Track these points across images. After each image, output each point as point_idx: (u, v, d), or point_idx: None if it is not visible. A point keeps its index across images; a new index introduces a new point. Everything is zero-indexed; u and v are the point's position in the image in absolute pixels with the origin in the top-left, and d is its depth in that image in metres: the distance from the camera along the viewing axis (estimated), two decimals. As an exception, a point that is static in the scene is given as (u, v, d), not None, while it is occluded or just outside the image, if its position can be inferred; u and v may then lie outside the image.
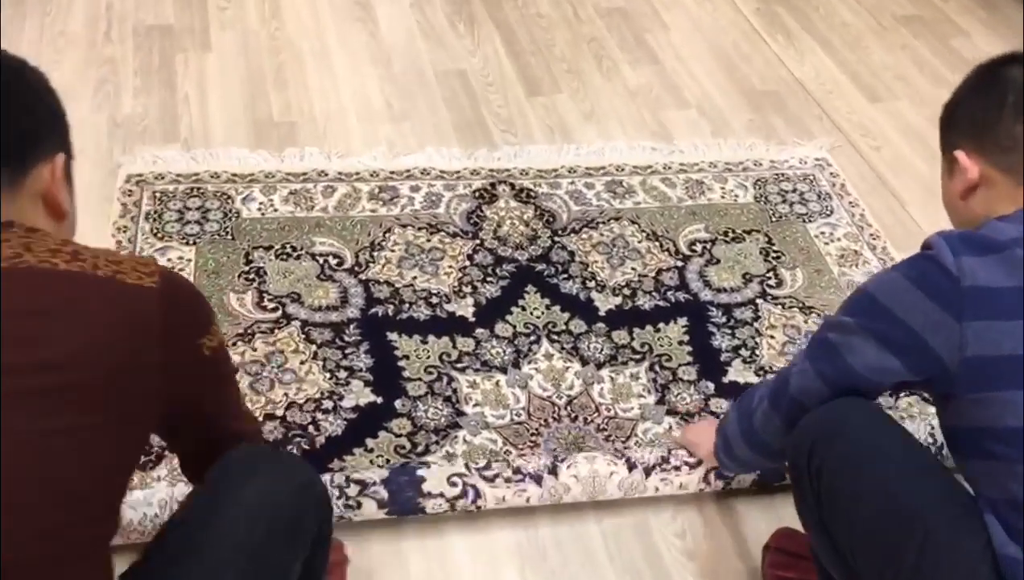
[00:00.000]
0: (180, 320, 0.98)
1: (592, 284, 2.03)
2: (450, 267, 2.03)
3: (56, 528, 0.87)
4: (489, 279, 2.02)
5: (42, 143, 1.01)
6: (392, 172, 2.27)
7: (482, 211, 2.18)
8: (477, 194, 2.22)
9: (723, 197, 2.30)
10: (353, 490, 1.53)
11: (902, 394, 1.81)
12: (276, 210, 2.12)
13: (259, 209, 2.12)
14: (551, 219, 2.18)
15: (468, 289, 1.99)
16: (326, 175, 2.23)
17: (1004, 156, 1.17)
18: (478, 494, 1.57)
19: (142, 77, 2.47)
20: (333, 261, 2.02)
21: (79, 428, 0.88)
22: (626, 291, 2.02)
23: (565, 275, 2.04)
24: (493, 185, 2.26)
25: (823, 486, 1.19)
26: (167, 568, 0.99)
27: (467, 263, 2.04)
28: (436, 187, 2.23)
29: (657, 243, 2.14)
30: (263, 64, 2.58)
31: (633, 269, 2.07)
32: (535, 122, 2.50)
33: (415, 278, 2.00)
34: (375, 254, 2.04)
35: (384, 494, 1.53)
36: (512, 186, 2.26)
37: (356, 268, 2.01)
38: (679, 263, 2.10)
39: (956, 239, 1.10)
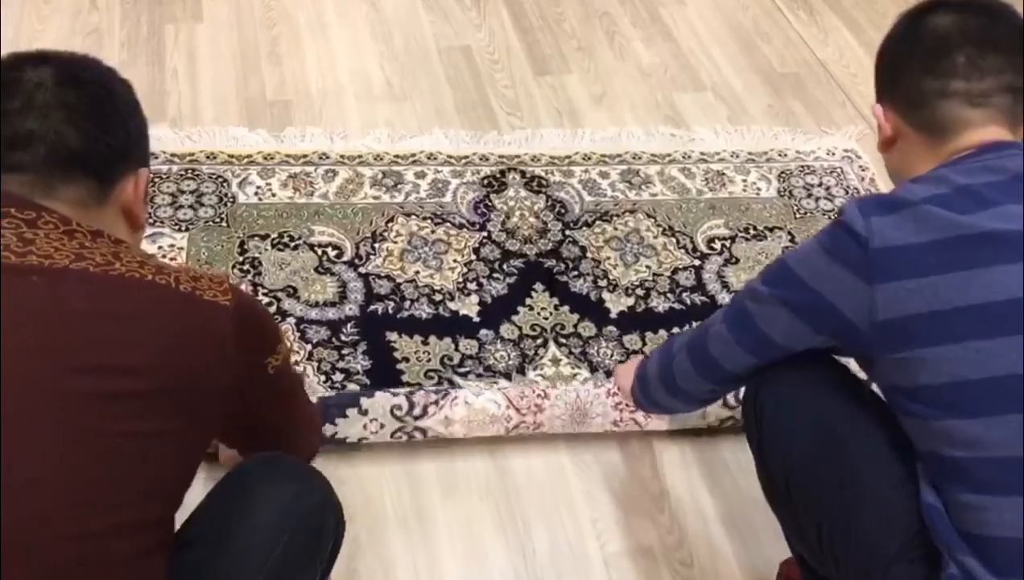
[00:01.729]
0: (249, 339, 1.05)
1: (604, 283, 1.99)
2: (455, 261, 1.99)
3: (127, 527, 0.92)
4: (496, 275, 1.97)
5: (130, 158, 1.07)
6: (397, 156, 2.22)
7: (490, 201, 2.13)
8: (486, 182, 2.18)
9: (745, 190, 2.25)
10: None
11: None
12: (274, 195, 2.08)
13: (256, 194, 2.08)
14: (563, 210, 2.14)
15: (473, 286, 1.95)
16: (327, 158, 2.19)
17: (914, 112, 1.18)
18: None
19: (129, 49, 2.42)
20: (332, 252, 1.97)
21: (157, 433, 0.94)
22: (639, 292, 1.98)
23: (576, 273, 2.00)
24: (503, 172, 2.21)
25: (763, 427, 1.25)
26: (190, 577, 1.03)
27: (473, 257, 2.00)
28: (443, 173, 2.19)
29: (674, 239, 2.10)
30: (257, 37, 2.52)
31: (647, 267, 2.03)
32: (542, 104, 2.45)
33: (418, 273, 1.96)
34: (376, 246, 2.00)
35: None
36: (523, 174, 2.21)
37: (356, 260, 1.97)
38: (696, 262, 2.06)
39: (868, 201, 1.10)
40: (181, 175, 2.08)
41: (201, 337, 0.98)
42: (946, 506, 1.08)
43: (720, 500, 1.69)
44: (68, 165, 1.00)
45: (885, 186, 2.28)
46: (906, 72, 1.18)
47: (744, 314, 1.25)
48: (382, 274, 1.95)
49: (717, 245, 2.10)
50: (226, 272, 1.89)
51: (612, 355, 1.86)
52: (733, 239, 2.12)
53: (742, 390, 1.36)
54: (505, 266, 2.00)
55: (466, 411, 1.64)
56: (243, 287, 1.86)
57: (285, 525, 1.09)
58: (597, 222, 2.13)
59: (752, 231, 2.14)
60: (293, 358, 1.76)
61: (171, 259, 1.89)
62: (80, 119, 1.01)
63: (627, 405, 1.67)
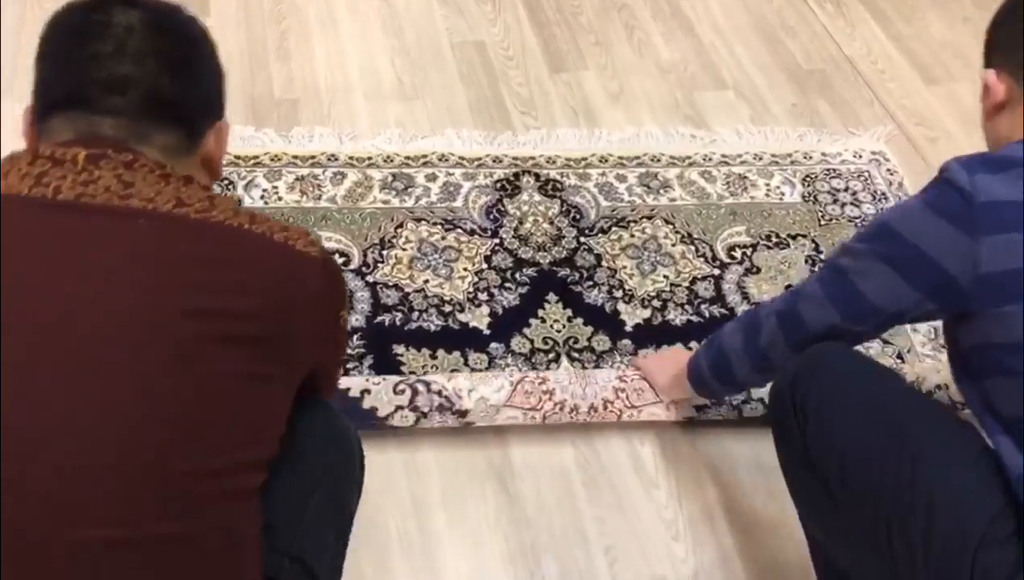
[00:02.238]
0: (334, 291, 1.09)
1: (619, 294, 1.93)
2: (465, 270, 1.94)
3: (241, 467, 0.96)
4: (507, 285, 1.93)
5: (213, 109, 1.10)
6: (407, 157, 2.17)
7: (503, 205, 2.08)
8: (499, 185, 2.13)
9: (767, 195, 2.19)
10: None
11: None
12: (281, 199, 2.04)
13: (263, 197, 2.04)
14: (578, 216, 2.09)
15: (484, 296, 1.90)
16: (336, 159, 2.14)
17: None
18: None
19: (133, 45, 2.36)
20: (339, 260, 1.93)
21: (265, 376, 0.97)
22: (656, 303, 1.92)
23: (590, 282, 1.95)
24: (517, 175, 2.16)
25: (808, 416, 1.22)
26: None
27: (484, 266, 1.95)
28: (455, 176, 2.14)
29: (693, 247, 2.04)
30: (265, 32, 2.47)
31: (665, 277, 1.98)
32: (557, 102, 2.39)
33: (427, 282, 1.91)
34: (385, 253, 1.95)
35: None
36: (537, 177, 2.16)
37: (364, 268, 1.92)
38: (716, 271, 2.00)
39: (972, 159, 1.12)
40: (184, 178, 2.04)
41: (299, 286, 1.00)
42: None
43: (738, 527, 1.63)
44: (162, 113, 1.01)
45: (915, 191, 2.21)
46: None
47: (839, 271, 1.26)
48: (390, 283, 1.90)
49: (737, 253, 2.05)
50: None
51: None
52: (754, 247, 2.06)
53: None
54: (517, 275, 1.95)
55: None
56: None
57: (328, 437, 1.19)
58: (613, 228, 2.07)
59: (774, 239, 2.08)
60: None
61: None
62: (174, 68, 1.02)
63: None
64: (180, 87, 1.03)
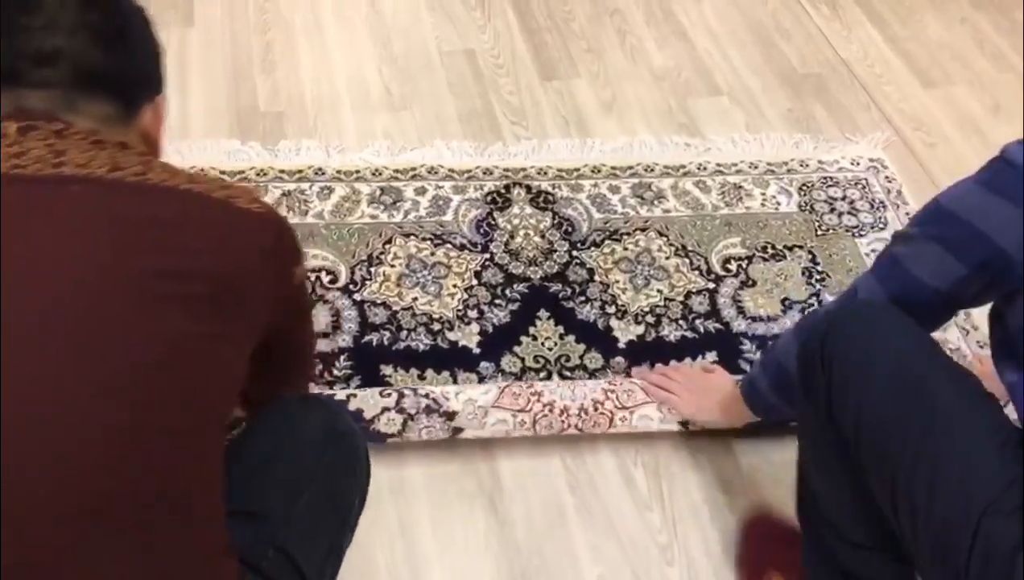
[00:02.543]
0: (282, 246, 1.07)
1: (612, 309, 1.90)
2: (455, 286, 1.91)
3: (210, 424, 0.97)
4: (498, 302, 1.90)
5: (150, 83, 1.09)
6: (396, 170, 2.14)
7: (494, 219, 2.05)
8: (489, 198, 2.10)
9: (763, 205, 2.16)
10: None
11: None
12: (263, 216, 2.00)
13: (244, 215, 2.00)
14: (570, 229, 2.05)
15: (474, 313, 1.87)
16: (323, 173, 2.11)
17: None
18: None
19: (116, 58, 2.33)
20: (326, 278, 1.90)
21: (224, 335, 0.97)
22: (650, 319, 1.89)
23: (582, 298, 1.92)
24: (508, 187, 2.13)
25: (834, 370, 1.20)
26: (246, 484, 1.08)
27: (474, 282, 1.92)
28: (444, 189, 2.11)
29: (687, 260, 2.01)
30: (250, 41, 2.44)
31: (659, 291, 1.95)
32: (548, 111, 2.36)
33: (415, 299, 1.88)
34: (373, 270, 1.92)
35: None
36: (528, 189, 2.13)
37: (351, 286, 1.89)
38: (711, 285, 1.97)
39: None
40: (168, 195, 2.01)
41: (244, 243, 1.00)
42: None
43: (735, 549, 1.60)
44: (93, 85, 1.01)
45: (913, 199, 2.19)
46: None
47: (892, 259, 1.26)
48: (378, 301, 1.87)
49: (733, 266, 2.01)
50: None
51: (620, 389, 1.77)
52: (750, 259, 2.03)
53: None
54: (508, 291, 1.92)
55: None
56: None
57: (327, 437, 1.18)
58: (606, 241, 2.04)
59: (770, 250, 2.05)
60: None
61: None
62: (107, 41, 1.01)
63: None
64: (113, 59, 1.02)
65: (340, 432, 1.22)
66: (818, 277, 2.00)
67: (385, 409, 1.66)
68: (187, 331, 0.93)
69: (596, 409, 1.70)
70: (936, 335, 1.82)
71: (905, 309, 1.24)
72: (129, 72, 1.05)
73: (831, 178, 2.24)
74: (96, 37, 1.01)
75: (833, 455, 1.25)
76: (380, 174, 2.12)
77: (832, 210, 2.16)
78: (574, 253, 2.01)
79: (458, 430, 1.66)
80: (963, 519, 1.07)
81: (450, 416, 1.67)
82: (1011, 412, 1.21)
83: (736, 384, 1.62)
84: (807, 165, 2.27)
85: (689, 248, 2.04)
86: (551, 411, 1.68)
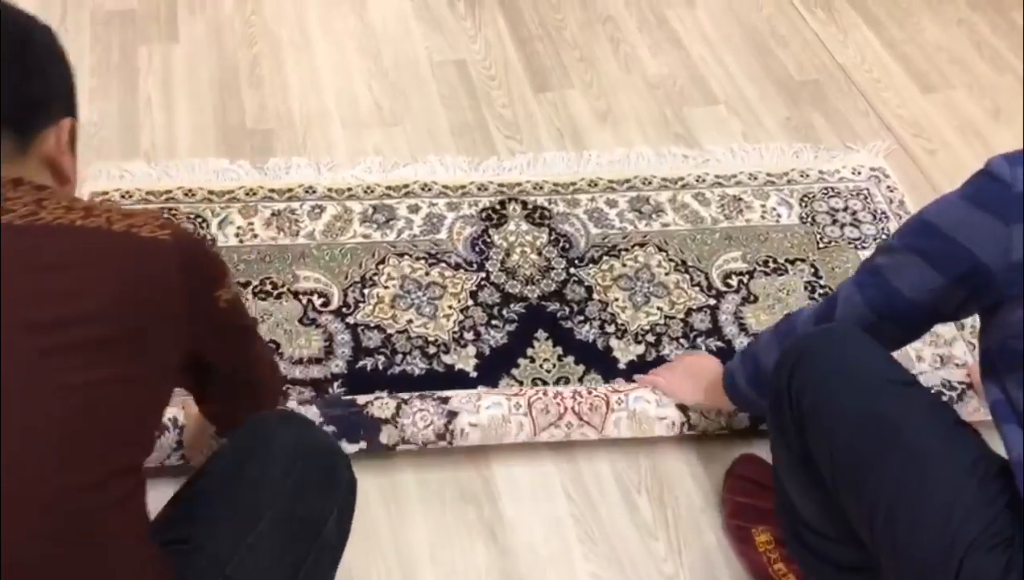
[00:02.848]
0: (196, 273, 1.03)
1: (611, 329, 1.87)
2: (450, 308, 1.87)
3: (112, 475, 0.93)
4: (494, 322, 1.86)
5: (50, 107, 1.03)
6: (389, 188, 2.10)
7: (489, 236, 2.01)
8: (484, 215, 2.06)
9: (763, 217, 2.12)
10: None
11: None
12: (256, 236, 1.97)
13: (237, 235, 1.97)
14: (567, 246, 2.02)
15: (470, 335, 1.83)
16: (314, 192, 2.07)
17: None
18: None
19: (99, 76, 2.30)
20: (318, 301, 1.86)
21: (118, 379, 0.93)
22: (650, 338, 1.86)
23: (581, 317, 1.88)
24: (503, 203, 2.09)
25: (803, 403, 1.21)
26: (202, 511, 1.07)
27: (470, 302, 1.89)
28: (438, 206, 2.07)
29: (687, 276, 1.98)
30: (236, 57, 2.40)
31: (659, 309, 1.91)
32: (543, 124, 2.32)
33: (410, 322, 1.84)
34: (366, 291, 1.89)
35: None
36: (524, 204, 2.09)
37: (344, 309, 1.86)
38: (712, 301, 1.94)
39: (1018, 153, 1.11)
40: (155, 218, 1.97)
41: (146, 275, 0.97)
42: None
43: (741, 576, 1.57)
44: None
45: (916, 209, 2.15)
46: None
47: (874, 271, 1.26)
48: (372, 324, 1.84)
49: (734, 281, 1.98)
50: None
51: (622, 412, 1.74)
52: (751, 274, 2.00)
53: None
54: (504, 312, 1.88)
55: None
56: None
57: (298, 455, 1.14)
58: (604, 258, 2.01)
59: (772, 264, 2.02)
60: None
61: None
62: None
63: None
64: (3, 85, 0.97)
65: (312, 449, 1.18)
66: (821, 291, 1.97)
67: (378, 396, 1.64)
68: (84, 381, 0.90)
69: (591, 392, 1.66)
70: (942, 350, 1.82)
71: (885, 320, 1.25)
72: (23, 98, 0.99)
73: (832, 189, 2.21)
74: None
75: (807, 478, 1.26)
76: (372, 192, 2.09)
77: (834, 222, 2.13)
78: (572, 270, 1.97)
79: (453, 414, 1.62)
80: (945, 560, 1.07)
81: (444, 400, 1.63)
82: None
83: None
84: (807, 175, 2.24)
85: (689, 263, 2.01)
86: (545, 394, 1.65)
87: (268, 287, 1.87)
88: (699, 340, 1.87)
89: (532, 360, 1.81)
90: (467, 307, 1.88)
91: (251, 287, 1.87)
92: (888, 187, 2.22)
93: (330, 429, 1.58)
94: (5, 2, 1.02)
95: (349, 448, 1.57)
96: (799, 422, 1.24)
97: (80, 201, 0.98)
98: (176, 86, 2.30)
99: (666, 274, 1.98)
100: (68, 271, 0.92)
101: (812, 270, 2.01)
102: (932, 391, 1.28)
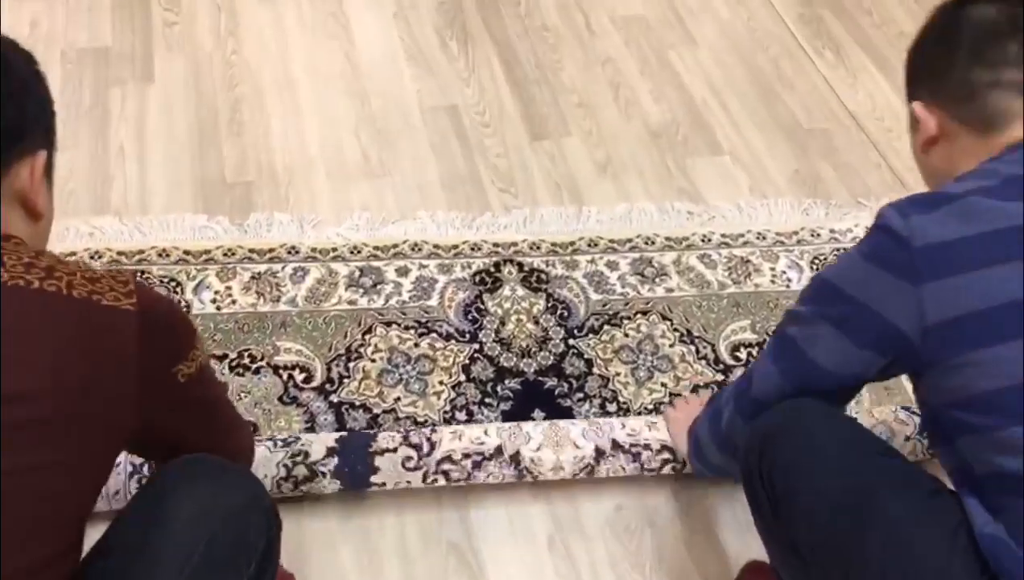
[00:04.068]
0: (156, 347, 0.97)
1: (613, 407, 1.78)
2: (441, 384, 1.78)
3: (37, 564, 0.88)
4: (488, 401, 1.77)
5: (24, 139, 0.99)
6: (376, 247, 2.00)
7: (483, 302, 1.92)
8: (478, 278, 1.97)
9: (773, 281, 2.04)
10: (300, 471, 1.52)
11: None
12: (235, 302, 1.87)
13: (214, 301, 1.87)
14: (565, 313, 1.93)
15: (462, 415, 1.75)
16: (297, 252, 1.97)
17: (960, 106, 1.15)
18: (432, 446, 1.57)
19: (70, 123, 2.20)
20: (300, 376, 1.77)
21: (44, 465, 0.88)
22: (653, 418, 1.76)
23: (580, 395, 1.80)
24: (497, 265, 2.00)
25: (776, 486, 1.18)
26: None
27: (462, 378, 1.80)
28: (429, 268, 1.98)
29: (693, 348, 1.89)
30: (216, 100, 2.30)
31: (663, 385, 1.83)
32: (539, 176, 2.24)
33: (398, 400, 1.75)
34: (351, 365, 1.79)
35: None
36: (520, 267, 2.00)
37: (327, 385, 1.76)
38: (719, 377, 1.85)
39: (905, 202, 1.08)
40: (126, 282, 1.87)
41: (100, 350, 0.92)
42: (1008, 529, 1.02)
43: None
44: None
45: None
46: (951, 63, 1.15)
47: (786, 341, 1.22)
48: (357, 403, 1.74)
49: (743, 354, 1.90)
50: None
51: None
52: (761, 346, 1.91)
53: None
54: (499, 388, 1.79)
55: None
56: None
57: (204, 528, 1.03)
58: (605, 327, 1.92)
59: (782, 336, 1.93)
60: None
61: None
62: None
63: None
64: None
65: (226, 514, 1.06)
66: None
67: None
68: (12, 467, 0.85)
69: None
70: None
71: (807, 394, 1.21)
72: None
73: (844, 249, 2.12)
74: None
75: (788, 551, 1.21)
76: (359, 252, 1.99)
77: (847, 288, 2.04)
78: (571, 341, 1.88)
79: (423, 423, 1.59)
80: None
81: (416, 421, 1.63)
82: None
83: None
84: (818, 235, 2.16)
85: (695, 333, 1.92)
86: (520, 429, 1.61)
87: (246, 360, 1.78)
88: (707, 422, 1.77)
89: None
90: (459, 383, 1.79)
91: (228, 360, 1.77)
92: (904, 251, 2.13)
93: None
94: None
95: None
96: (774, 505, 1.20)
97: (45, 257, 0.93)
98: (150, 134, 2.20)
99: (671, 346, 1.89)
100: (17, 340, 0.87)
101: (825, 343, 1.92)
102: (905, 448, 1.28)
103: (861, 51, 2.72)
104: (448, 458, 1.57)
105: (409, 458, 1.56)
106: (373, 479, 1.55)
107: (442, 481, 1.57)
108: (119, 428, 0.97)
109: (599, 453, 1.61)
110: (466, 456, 1.58)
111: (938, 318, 1.04)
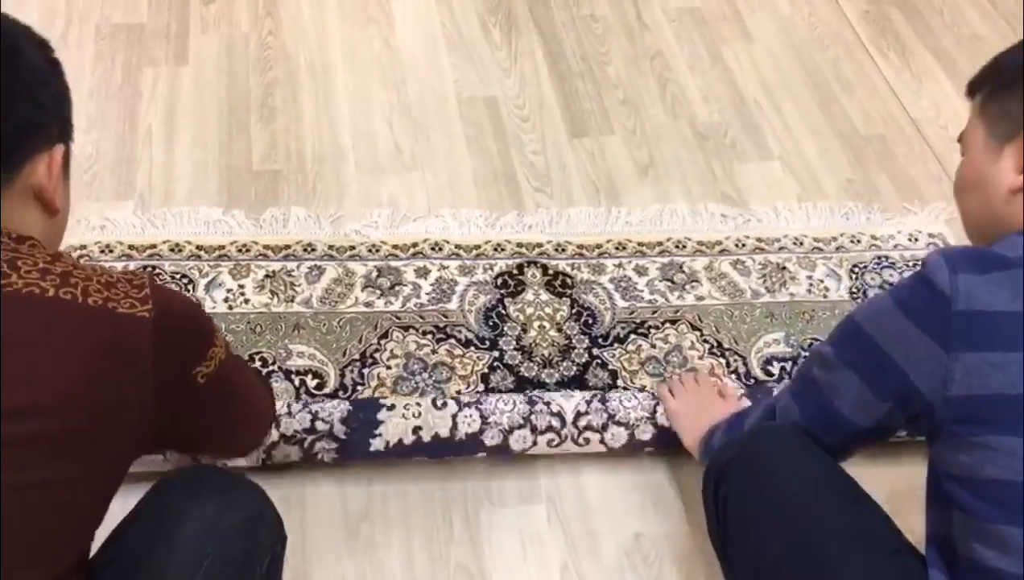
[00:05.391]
0: (173, 351, 0.97)
1: (635, 425, 1.73)
2: (459, 393, 1.75)
3: None
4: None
5: (41, 134, 0.98)
6: (395, 246, 1.97)
7: (504, 307, 1.89)
8: (500, 281, 1.93)
9: (810, 291, 1.98)
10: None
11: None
12: (247, 301, 1.86)
13: (226, 300, 1.86)
14: (590, 320, 1.89)
15: (478, 426, 1.71)
16: (313, 250, 1.95)
17: None
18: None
19: (98, 101, 2.20)
20: (312, 382, 1.75)
21: (56, 480, 0.88)
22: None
23: (602, 410, 1.75)
24: (520, 267, 1.96)
25: (729, 517, 1.18)
26: None
27: (480, 387, 1.76)
28: (449, 269, 1.95)
29: (723, 360, 1.84)
30: (249, 83, 2.29)
31: (689, 403, 1.77)
32: (576, 175, 2.19)
33: (412, 407, 1.72)
34: (366, 372, 1.77)
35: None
36: (544, 269, 1.96)
37: (340, 393, 1.74)
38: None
39: (958, 254, 1.02)
40: (141, 272, 1.87)
41: (115, 359, 0.91)
42: None
43: None
44: None
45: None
46: None
47: (811, 384, 1.20)
48: (369, 409, 1.71)
49: (775, 368, 1.84)
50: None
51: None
52: (795, 360, 1.85)
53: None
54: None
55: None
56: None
57: (208, 546, 1.04)
58: (631, 336, 1.88)
59: (818, 354, 1.87)
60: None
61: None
62: None
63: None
64: None
65: (229, 532, 1.07)
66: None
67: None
68: (29, 482, 0.85)
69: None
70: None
71: (824, 437, 1.19)
72: (7, 126, 0.93)
73: (886, 257, 2.05)
74: None
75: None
76: (377, 250, 1.97)
77: (890, 303, 1.97)
78: (595, 351, 1.84)
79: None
80: None
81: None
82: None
83: None
84: (858, 241, 2.09)
85: (725, 345, 1.87)
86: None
87: (258, 364, 1.76)
88: (731, 446, 1.72)
89: (542, 460, 1.68)
90: (477, 393, 1.76)
91: (240, 356, 1.76)
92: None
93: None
94: None
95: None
96: (723, 540, 1.20)
97: (61, 261, 0.93)
98: (180, 116, 2.19)
99: (699, 358, 1.85)
100: (29, 352, 0.86)
101: (864, 367, 1.86)
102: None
103: (929, 53, 2.62)
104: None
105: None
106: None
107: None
108: (134, 439, 0.97)
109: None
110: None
111: (962, 391, 1.00)
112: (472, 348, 1.82)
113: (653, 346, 1.87)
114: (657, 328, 1.90)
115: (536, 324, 1.87)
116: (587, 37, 2.53)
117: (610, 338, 1.87)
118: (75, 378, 0.88)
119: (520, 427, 1.62)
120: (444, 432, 1.60)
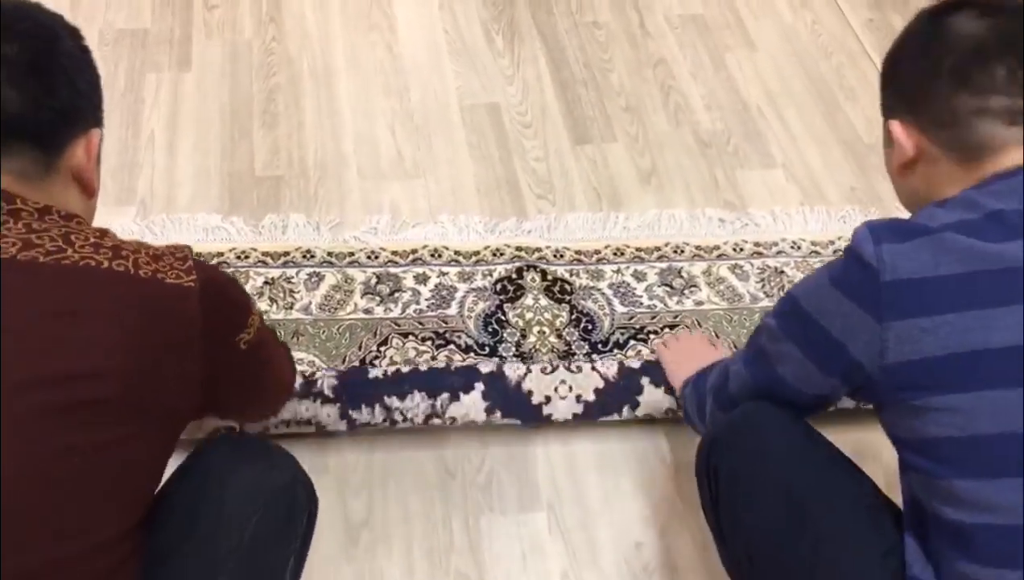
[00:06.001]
0: (219, 321, 1.03)
1: (633, 432, 1.75)
2: (457, 392, 1.77)
3: (105, 544, 0.93)
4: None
5: (80, 119, 1.03)
6: (395, 253, 1.99)
7: (504, 313, 1.91)
8: (499, 287, 1.95)
9: (808, 298, 1.99)
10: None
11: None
12: (246, 307, 1.87)
13: (226, 304, 1.86)
14: (589, 326, 1.90)
15: (476, 432, 1.72)
16: (312, 256, 1.97)
17: (942, 131, 1.11)
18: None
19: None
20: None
21: (129, 437, 0.93)
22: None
23: (600, 416, 1.77)
24: (520, 272, 1.98)
25: (720, 487, 1.23)
26: (154, 570, 1.01)
27: (479, 394, 1.78)
28: (449, 276, 1.96)
29: (721, 369, 1.85)
30: (252, 89, 2.32)
31: (687, 410, 1.78)
32: (579, 182, 2.21)
33: (411, 413, 1.74)
34: (364, 377, 1.78)
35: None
36: (544, 275, 1.98)
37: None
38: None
39: (881, 226, 1.05)
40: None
41: (166, 327, 0.96)
42: (939, 579, 1.04)
43: None
44: (8, 133, 0.96)
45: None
46: (933, 86, 1.10)
47: (760, 353, 1.24)
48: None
49: (774, 380, 1.85)
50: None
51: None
52: (794, 371, 1.86)
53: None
54: (515, 407, 1.77)
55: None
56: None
57: (255, 504, 1.10)
58: (631, 342, 1.89)
59: (817, 362, 1.88)
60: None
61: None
62: (20, 78, 0.96)
63: None
64: (29, 101, 0.97)
65: (270, 493, 1.14)
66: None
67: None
68: (88, 443, 0.90)
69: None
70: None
71: (776, 400, 1.23)
72: (51, 113, 0.99)
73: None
74: (9, 75, 0.95)
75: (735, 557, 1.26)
76: (376, 257, 1.98)
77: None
78: (594, 357, 1.85)
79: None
80: None
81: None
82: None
83: None
84: (859, 248, 2.10)
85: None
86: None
87: (258, 363, 1.77)
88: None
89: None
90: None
91: (240, 361, 1.77)
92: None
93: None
94: (28, 2, 1.02)
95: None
96: (716, 511, 1.25)
97: (108, 236, 0.98)
98: (183, 121, 2.22)
99: (699, 367, 1.85)
100: (83, 319, 0.91)
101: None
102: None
103: (933, 61, 2.63)
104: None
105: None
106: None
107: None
108: (186, 401, 1.02)
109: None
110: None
111: (898, 358, 1.03)
112: (472, 354, 1.84)
113: (653, 353, 1.88)
114: (657, 334, 1.91)
115: (535, 330, 1.89)
116: (590, 44, 2.55)
117: (609, 344, 1.89)
118: (133, 345, 0.93)
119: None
120: (440, 365, 1.69)
